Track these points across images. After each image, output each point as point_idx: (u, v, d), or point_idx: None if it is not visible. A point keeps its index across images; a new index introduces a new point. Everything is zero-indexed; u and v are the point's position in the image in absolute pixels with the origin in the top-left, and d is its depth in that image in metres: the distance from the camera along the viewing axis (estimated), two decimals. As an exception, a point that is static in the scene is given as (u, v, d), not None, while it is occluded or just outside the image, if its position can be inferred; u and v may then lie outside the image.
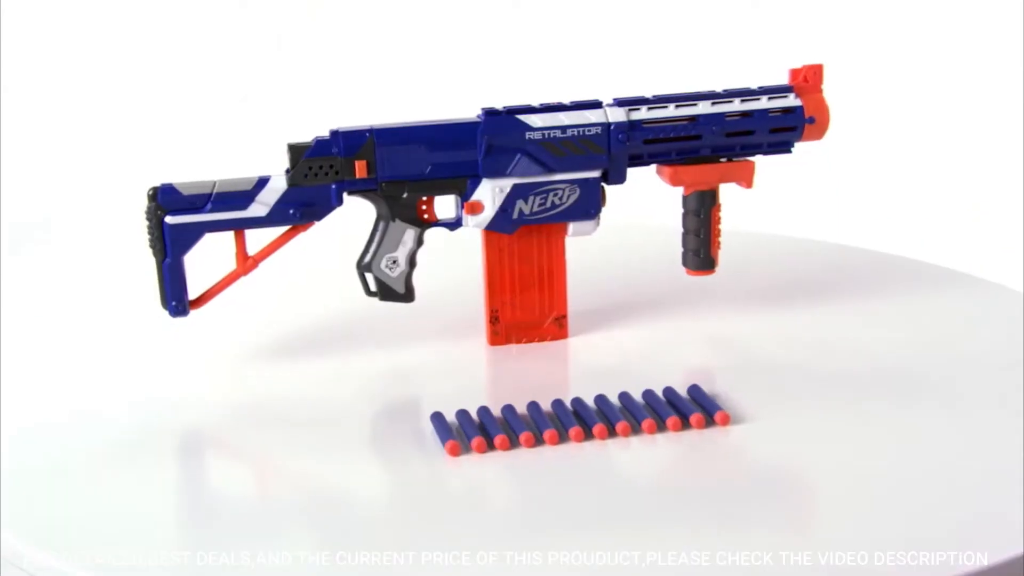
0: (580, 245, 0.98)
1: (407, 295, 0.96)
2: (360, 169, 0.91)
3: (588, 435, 0.77)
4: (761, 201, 1.02)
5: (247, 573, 0.63)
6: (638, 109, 0.92)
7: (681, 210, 0.96)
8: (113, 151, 2.13)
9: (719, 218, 0.96)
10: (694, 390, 0.82)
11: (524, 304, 0.96)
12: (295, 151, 0.91)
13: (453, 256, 1.04)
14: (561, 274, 0.96)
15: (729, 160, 0.95)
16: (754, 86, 0.94)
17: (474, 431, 0.77)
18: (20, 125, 2.14)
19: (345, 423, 0.83)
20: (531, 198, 0.92)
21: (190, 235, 0.90)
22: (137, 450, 0.81)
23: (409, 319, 1.00)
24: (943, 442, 0.76)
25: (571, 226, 0.94)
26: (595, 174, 0.92)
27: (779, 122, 0.94)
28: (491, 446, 0.75)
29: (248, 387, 0.91)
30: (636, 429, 0.77)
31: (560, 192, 0.92)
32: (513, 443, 0.75)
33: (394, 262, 0.94)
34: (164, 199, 0.90)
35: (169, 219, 0.90)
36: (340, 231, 1.02)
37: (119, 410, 0.88)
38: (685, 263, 0.97)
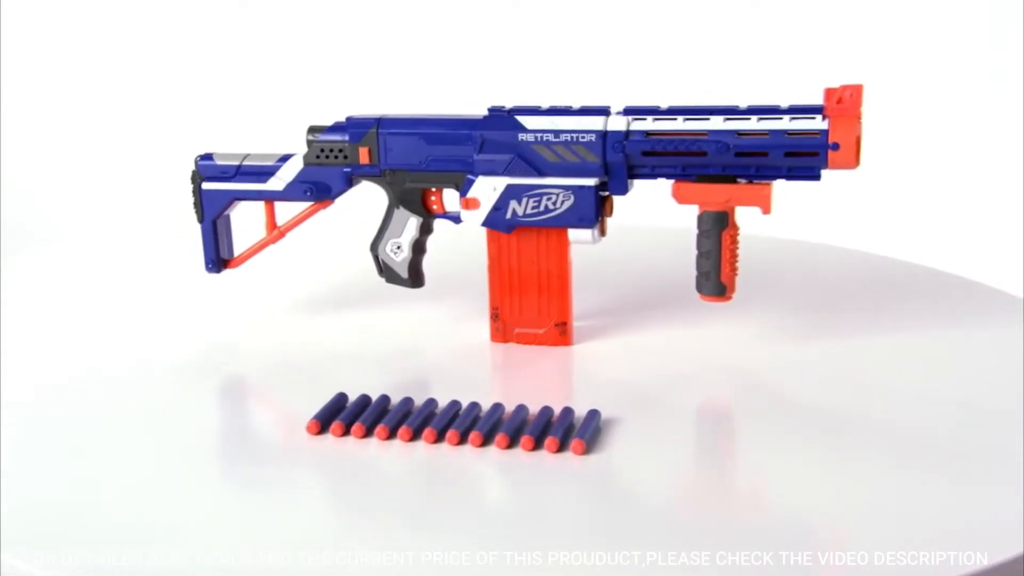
0: (603, 250, 0.96)
1: (410, 280, 0.99)
2: (363, 155, 0.95)
3: (440, 438, 0.78)
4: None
5: (249, 574, 0.63)
6: (643, 119, 0.89)
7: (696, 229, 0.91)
8: (112, 151, 2.14)
9: (733, 242, 0.89)
10: (591, 414, 0.79)
11: (525, 306, 0.96)
12: (313, 133, 0.97)
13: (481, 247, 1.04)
14: (564, 281, 0.95)
15: (749, 182, 0.88)
16: (785, 104, 0.86)
17: (347, 416, 0.80)
18: (20, 125, 2.15)
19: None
20: (524, 199, 0.92)
21: (220, 201, 0.99)
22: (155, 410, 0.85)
23: (425, 305, 1.05)
24: (943, 443, 0.76)
25: (571, 233, 0.92)
26: (590, 182, 0.90)
27: (796, 145, 0.84)
28: (347, 432, 0.79)
29: (255, 373, 0.92)
30: (488, 441, 0.77)
31: (553, 197, 0.91)
32: (368, 433, 0.79)
33: (398, 247, 0.97)
34: (202, 166, 0.99)
35: (204, 185, 0.99)
36: (375, 213, 1.04)
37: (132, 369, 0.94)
38: (698, 287, 0.91)
